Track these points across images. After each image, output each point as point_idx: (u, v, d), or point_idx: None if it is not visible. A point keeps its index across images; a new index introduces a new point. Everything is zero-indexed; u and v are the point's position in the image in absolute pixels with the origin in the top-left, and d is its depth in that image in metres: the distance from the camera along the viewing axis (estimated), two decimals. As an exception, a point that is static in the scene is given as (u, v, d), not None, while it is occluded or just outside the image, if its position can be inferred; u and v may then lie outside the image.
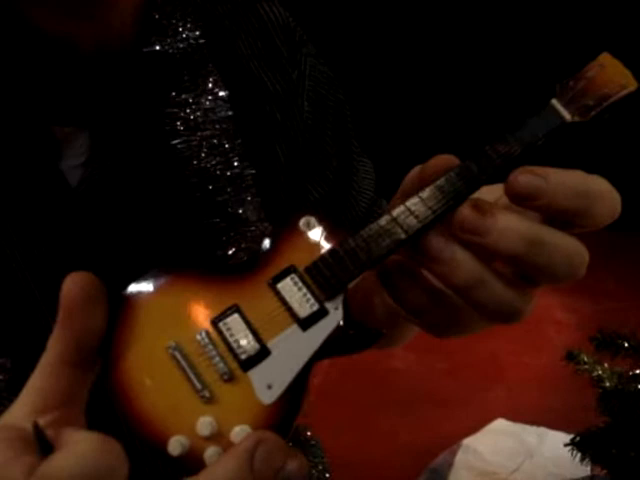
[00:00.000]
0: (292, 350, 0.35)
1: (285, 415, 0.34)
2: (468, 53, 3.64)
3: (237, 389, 0.35)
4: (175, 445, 0.33)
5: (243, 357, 0.35)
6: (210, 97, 0.58)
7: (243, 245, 0.57)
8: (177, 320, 0.36)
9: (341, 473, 0.90)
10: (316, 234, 0.37)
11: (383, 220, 0.37)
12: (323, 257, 0.37)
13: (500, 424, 2.14)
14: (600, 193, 0.37)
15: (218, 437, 0.34)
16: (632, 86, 0.38)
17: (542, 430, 2.04)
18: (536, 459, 1.96)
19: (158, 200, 0.56)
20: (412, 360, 2.51)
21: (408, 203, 0.37)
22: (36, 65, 0.51)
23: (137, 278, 0.37)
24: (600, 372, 1.27)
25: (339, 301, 0.36)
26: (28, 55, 0.51)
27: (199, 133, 0.57)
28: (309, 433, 0.80)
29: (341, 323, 0.36)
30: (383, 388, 2.39)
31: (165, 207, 0.56)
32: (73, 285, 0.34)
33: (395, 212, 0.37)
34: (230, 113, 0.59)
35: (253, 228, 0.59)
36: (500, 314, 0.38)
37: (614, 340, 1.11)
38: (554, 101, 0.39)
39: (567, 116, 0.38)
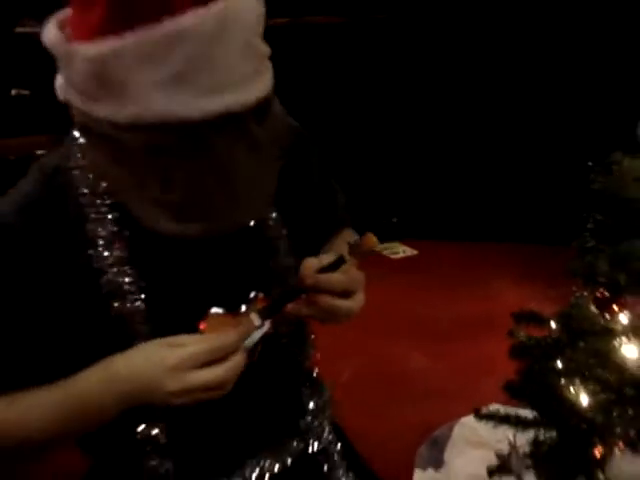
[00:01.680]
0: (254, 334, 0.95)
1: (250, 356, 0.94)
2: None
3: None
4: None
5: None
6: None
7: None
8: (220, 323, 0.95)
9: (358, 441, 1.23)
10: (264, 300, 0.99)
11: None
12: (263, 307, 0.97)
13: (494, 407, 2.55)
14: (357, 282, 0.98)
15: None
16: (376, 247, 0.98)
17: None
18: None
19: (243, 263, 1.03)
20: (424, 360, 2.92)
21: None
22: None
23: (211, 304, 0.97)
24: (532, 342, 1.74)
25: (269, 321, 0.96)
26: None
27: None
28: (316, 372, 1.15)
29: (268, 329, 0.95)
30: (398, 383, 2.76)
31: (242, 263, 1.03)
32: None
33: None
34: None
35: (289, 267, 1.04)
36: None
37: (526, 314, 1.58)
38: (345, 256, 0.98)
39: (347, 258, 0.97)
